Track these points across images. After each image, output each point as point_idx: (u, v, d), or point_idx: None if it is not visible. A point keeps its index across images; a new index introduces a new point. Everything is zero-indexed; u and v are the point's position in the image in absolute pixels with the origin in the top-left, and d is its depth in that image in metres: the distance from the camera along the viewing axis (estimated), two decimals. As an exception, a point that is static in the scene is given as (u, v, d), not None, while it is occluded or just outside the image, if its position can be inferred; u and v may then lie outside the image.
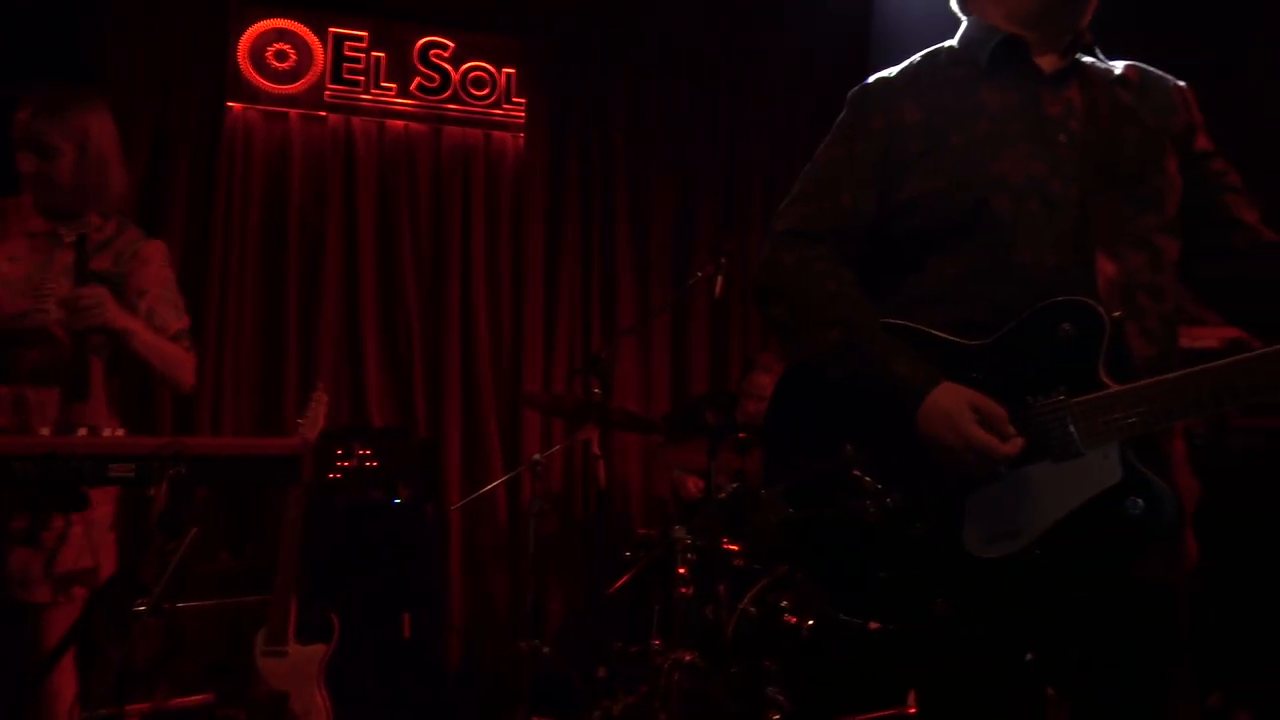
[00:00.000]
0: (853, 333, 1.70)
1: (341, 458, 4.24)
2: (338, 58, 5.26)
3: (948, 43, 1.87)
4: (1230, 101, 2.42)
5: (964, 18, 1.88)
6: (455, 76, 5.44)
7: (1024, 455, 1.60)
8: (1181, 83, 1.80)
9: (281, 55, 5.14)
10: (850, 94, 1.88)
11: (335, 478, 4.23)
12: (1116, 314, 1.58)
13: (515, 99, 5.52)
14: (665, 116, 5.64)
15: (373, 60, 5.33)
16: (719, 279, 3.70)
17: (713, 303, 4.24)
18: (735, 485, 3.66)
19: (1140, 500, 1.53)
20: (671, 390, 5.47)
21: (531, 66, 5.51)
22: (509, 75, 5.51)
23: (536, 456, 3.91)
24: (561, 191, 5.49)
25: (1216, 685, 3.22)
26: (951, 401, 1.60)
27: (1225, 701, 3.27)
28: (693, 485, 4.33)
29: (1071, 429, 1.57)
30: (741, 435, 3.67)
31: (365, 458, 4.29)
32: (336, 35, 5.26)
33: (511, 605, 5.08)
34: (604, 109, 5.57)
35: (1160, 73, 1.81)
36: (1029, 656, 1.67)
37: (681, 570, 3.56)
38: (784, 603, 3.35)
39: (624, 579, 3.95)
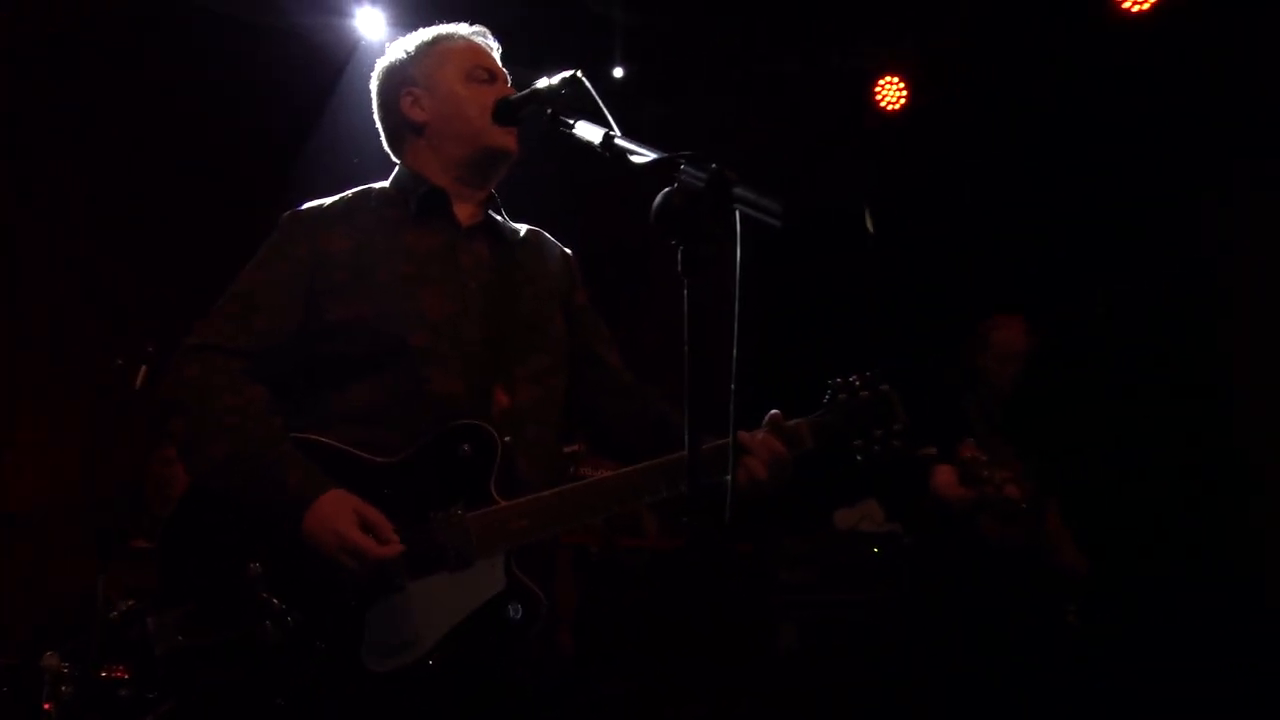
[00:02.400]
0: (245, 445, 1.70)
1: None
2: None
3: (379, 184, 2.00)
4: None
5: (396, 161, 2.03)
6: None
7: (422, 568, 1.69)
8: (568, 250, 2.13)
9: None
10: (282, 218, 1.92)
11: None
12: (507, 439, 1.78)
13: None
14: (107, 179, 4.99)
15: None
16: (143, 369, 3.35)
17: (134, 395, 3.78)
18: (131, 603, 3.23)
19: (520, 606, 1.71)
20: (83, 486, 4.69)
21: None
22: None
23: None
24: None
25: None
26: (335, 507, 1.66)
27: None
28: None
29: (466, 541, 1.71)
30: (141, 544, 3.30)
31: None
32: None
33: None
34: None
35: (553, 239, 2.12)
36: None
37: (47, 706, 3.02)
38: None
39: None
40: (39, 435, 4.64)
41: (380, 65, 2.03)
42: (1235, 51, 4.31)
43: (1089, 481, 4.11)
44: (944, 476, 3.40)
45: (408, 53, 2.00)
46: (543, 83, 1.77)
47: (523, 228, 2.07)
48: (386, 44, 2.07)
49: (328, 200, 1.95)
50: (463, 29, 2.01)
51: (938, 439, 3.41)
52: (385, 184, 2.00)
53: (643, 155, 1.44)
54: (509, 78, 2.00)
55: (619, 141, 1.55)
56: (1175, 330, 4.76)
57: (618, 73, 5.05)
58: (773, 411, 1.90)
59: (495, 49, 2.03)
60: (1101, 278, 4.92)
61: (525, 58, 2.04)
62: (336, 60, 4.81)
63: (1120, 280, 4.88)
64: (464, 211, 1.97)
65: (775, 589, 4.43)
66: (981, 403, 3.70)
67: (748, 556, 4.51)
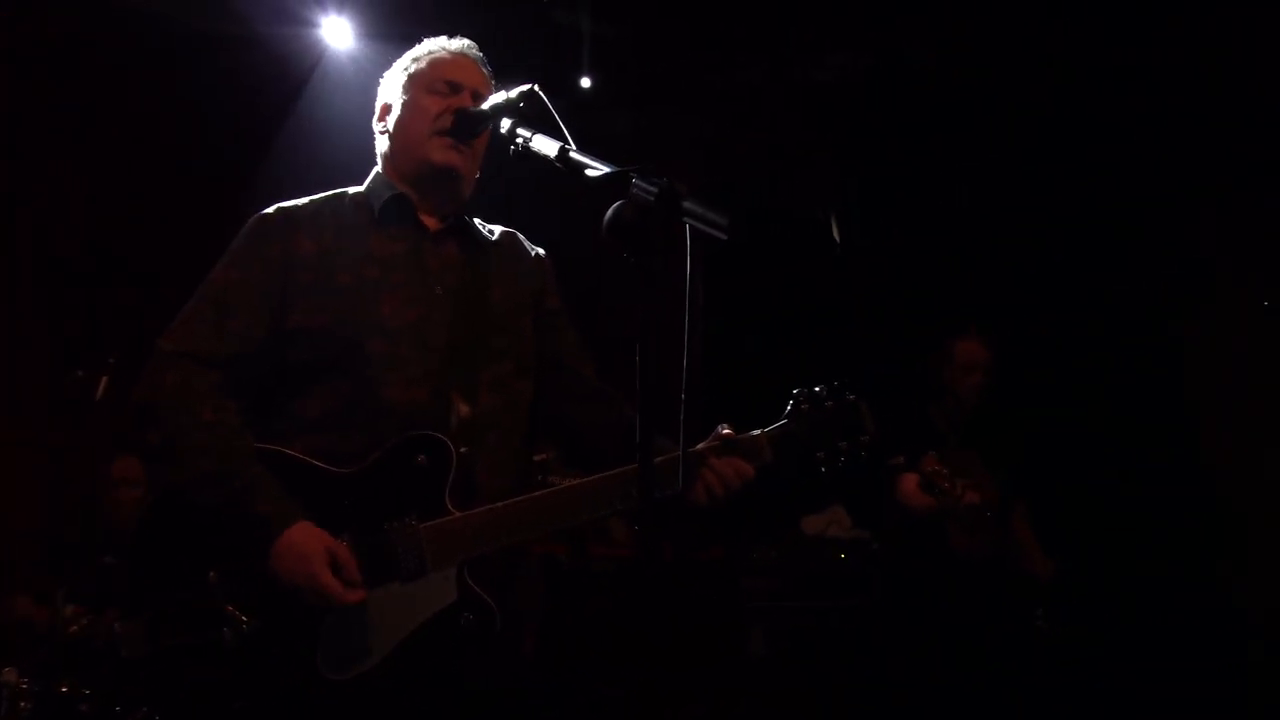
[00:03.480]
0: (222, 464, 1.69)
1: None
2: None
3: (354, 188, 1.99)
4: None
5: (379, 163, 2.03)
6: None
7: (376, 578, 1.69)
8: (542, 251, 2.12)
9: None
10: (251, 219, 1.90)
11: None
12: (463, 449, 1.77)
13: None
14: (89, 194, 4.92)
15: None
16: (104, 380, 3.31)
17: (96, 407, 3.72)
18: (88, 620, 3.19)
19: (471, 616, 1.72)
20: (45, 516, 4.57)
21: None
22: None
23: None
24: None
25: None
26: (306, 542, 1.66)
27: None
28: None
29: (419, 552, 1.71)
30: (107, 560, 3.26)
31: None
32: None
33: None
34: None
35: (527, 241, 2.11)
36: None
37: (7, 722, 2.97)
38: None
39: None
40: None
41: None
42: (1233, 52, 4.36)
43: (1054, 486, 4.15)
44: (908, 484, 3.44)
45: (396, 68, 2.02)
46: (500, 96, 1.77)
47: (497, 229, 2.07)
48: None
49: (298, 201, 1.93)
50: (447, 44, 2.01)
51: (905, 449, 3.45)
52: (360, 188, 1.99)
53: (597, 169, 1.46)
54: (487, 90, 1.96)
55: (574, 155, 1.56)
56: (1139, 332, 4.80)
57: (585, 82, 5.06)
58: (724, 431, 1.88)
59: (476, 60, 2.01)
60: (1074, 281, 4.96)
61: (492, 68, 2.04)
62: (303, 69, 4.79)
63: (1092, 284, 4.92)
64: (431, 217, 1.96)
65: (744, 595, 4.44)
66: (947, 413, 3.75)
67: (717, 563, 4.53)
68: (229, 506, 1.68)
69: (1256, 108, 4.40)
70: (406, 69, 2.00)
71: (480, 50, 2.04)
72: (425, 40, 2.03)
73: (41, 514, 4.49)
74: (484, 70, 2.01)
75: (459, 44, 2.01)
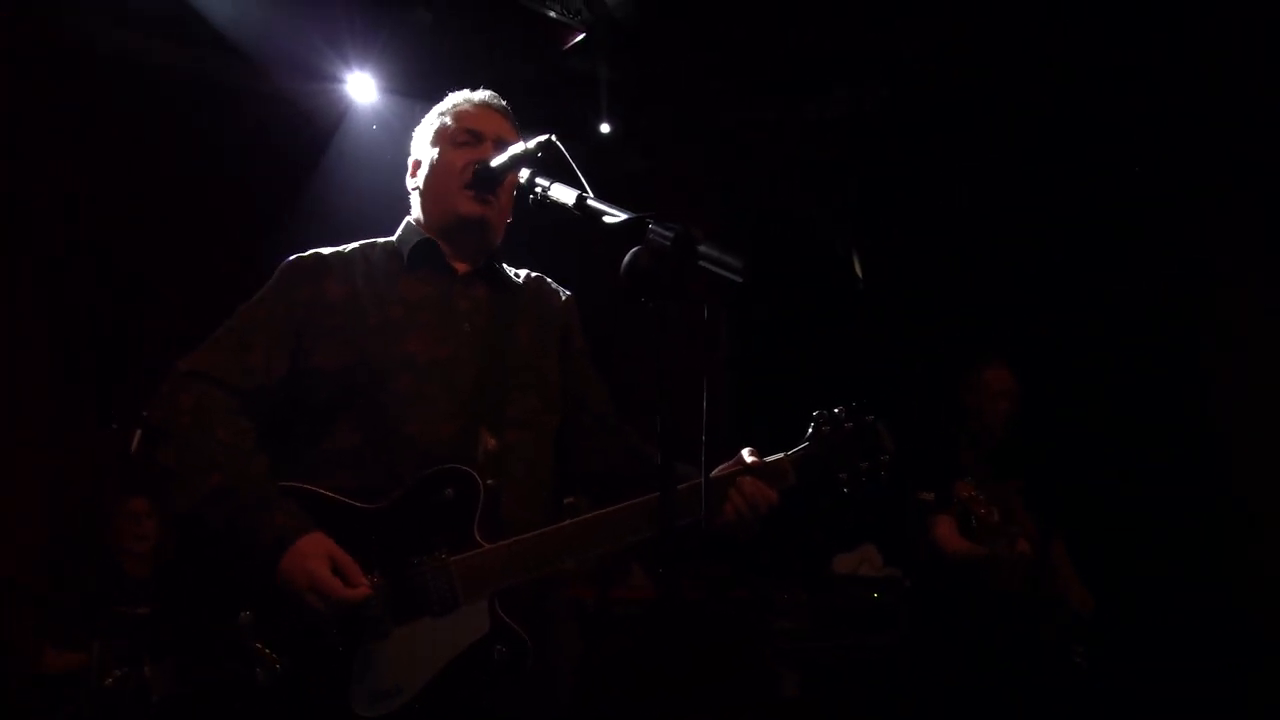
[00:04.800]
0: (234, 479, 1.71)
1: None
2: None
3: (386, 238, 2.05)
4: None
5: (411, 214, 2.08)
6: None
7: (407, 613, 1.71)
8: (568, 292, 2.15)
9: None
10: (285, 262, 1.96)
11: None
12: (490, 482, 1.78)
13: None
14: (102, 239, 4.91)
15: None
16: (138, 433, 3.34)
17: (131, 459, 3.76)
18: (124, 670, 3.20)
19: (504, 648, 1.72)
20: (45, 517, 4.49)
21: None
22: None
23: None
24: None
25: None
26: (311, 548, 1.67)
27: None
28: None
29: (449, 585, 1.72)
30: (142, 611, 3.27)
31: None
32: None
33: None
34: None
35: (554, 283, 2.15)
36: None
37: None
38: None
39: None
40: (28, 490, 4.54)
41: None
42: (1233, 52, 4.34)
43: (1091, 516, 4.06)
44: (944, 529, 3.37)
45: (424, 125, 2.08)
46: (519, 147, 1.81)
47: (523, 272, 2.11)
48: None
49: (329, 249, 1.99)
50: (470, 96, 2.07)
51: (933, 482, 3.40)
52: (392, 238, 2.05)
53: (614, 215, 1.48)
54: (511, 136, 2.01)
55: (591, 203, 1.59)
56: (1146, 339, 4.73)
57: (604, 128, 5.13)
58: (749, 458, 1.88)
59: (499, 109, 2.06)
60: (1074, 282, 4.90)
61: (513, 116, 2.09)
62: (328, 123, 4.91)
63: (1092, 285, 4.86)
64: (459, 262, 2.01)
65: (775, 636, 4.39)
66: (975, 444, 3.70)
67: (747, 603, 4.49)
68: (241, 521, 1.69)
69: (1256, 108, 4.37)
70: (433, 125, 2.05)
71: (501, 99, 2.09)
72: (450, 95, 2.08)
73: (41, 515, 4.47)
74: (507, 118, 2.06)
75: (481, 95, 2.07)
